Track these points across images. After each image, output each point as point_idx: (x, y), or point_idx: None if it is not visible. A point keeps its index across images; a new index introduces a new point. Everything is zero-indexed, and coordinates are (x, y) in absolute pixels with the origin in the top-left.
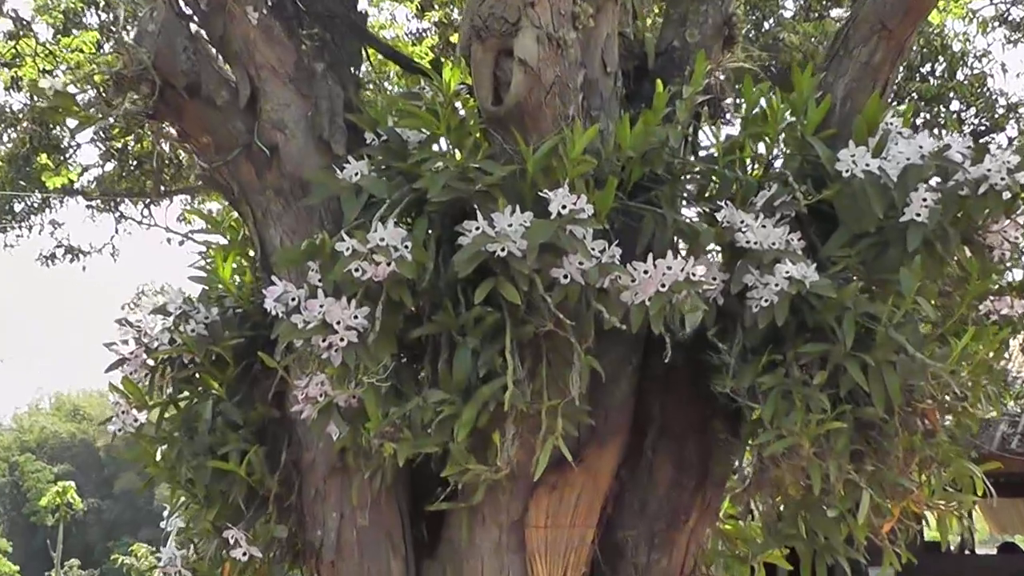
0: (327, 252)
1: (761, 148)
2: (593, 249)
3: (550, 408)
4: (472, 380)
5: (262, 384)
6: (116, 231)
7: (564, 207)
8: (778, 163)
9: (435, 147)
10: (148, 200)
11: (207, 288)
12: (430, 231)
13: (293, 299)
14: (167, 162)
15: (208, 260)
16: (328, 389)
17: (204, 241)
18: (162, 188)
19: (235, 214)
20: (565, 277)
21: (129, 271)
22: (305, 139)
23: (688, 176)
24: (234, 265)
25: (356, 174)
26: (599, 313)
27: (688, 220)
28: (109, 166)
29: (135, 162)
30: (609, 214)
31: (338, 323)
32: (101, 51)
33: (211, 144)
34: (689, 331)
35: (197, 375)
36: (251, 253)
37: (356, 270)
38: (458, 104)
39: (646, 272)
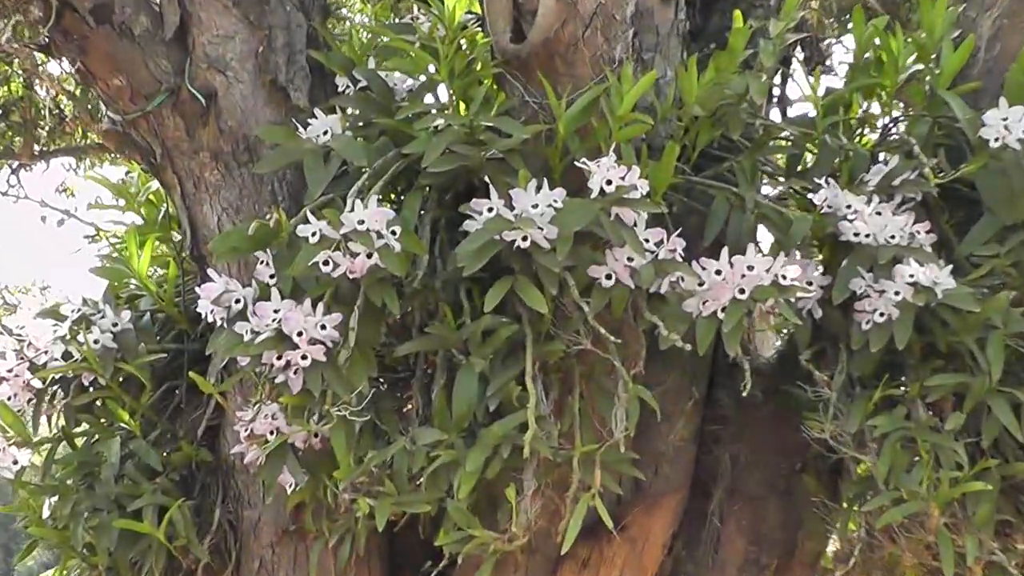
0: (284, 238)
1: (875, 107)
2: (647, 240)
3: (584, 456)
4: (479, 416)
5: (189, 416)
6: None
7: (608, 182)
8: (899, 128)
9: (432, 98)
10: (17, 164)
11: (114, 284)
12: (424, 212)
13: (237, 300)
14: (44, 111)
15: (116, 246)
16: (282, 424)
17: (108, 220)
18: (37, 147)
19: (154, 184)
20: (608, 278)
21: None
22: (253, 84)
23: (774, 143)
24: (153, 253)
25: (324, 133)
26: (653, 328)
27: (775, 203)
28: None
29: None
30: (668, 193)
31: (299, 334)
32: None
33: (125, 89)
34: (774, 354)
35: (100, 402)
36: (176, 237)
37: (325, 263)
38: (463, 41)
39: (718, 273)
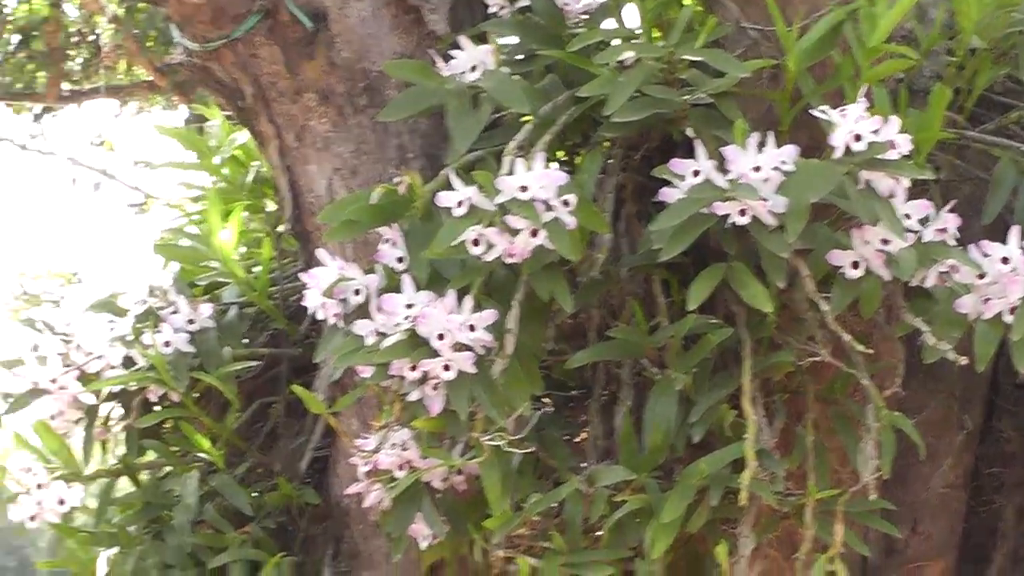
0: (418, 209)
1: None
2: (908, 217)
3: (820, 505)
4: (678, 449)
5: (289, 445)
6: None
7: (856, 138)
8: None
9: (616, 23)
10: (40, 108)
11: (187, 268)
12: (606, 176)
13: (356, 292)
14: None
15: (188, 218)
16: (415, 457)
17: (177, 184)
18: (66, 86)
19: (241, 136)
20: (855, 266)
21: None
22: (375, 3)
23: None
24: (240, 228)
25: (472, 69)
26: (914, 335)
27: None
28: None
29: (16, 37)
30: (935, 153)
31: (440, 338)
32: None
33: (205, 7)
34: None
35: (172, 424)
36: (272, 207)
37: (474, 243)
38: None
39: (1005, 261)
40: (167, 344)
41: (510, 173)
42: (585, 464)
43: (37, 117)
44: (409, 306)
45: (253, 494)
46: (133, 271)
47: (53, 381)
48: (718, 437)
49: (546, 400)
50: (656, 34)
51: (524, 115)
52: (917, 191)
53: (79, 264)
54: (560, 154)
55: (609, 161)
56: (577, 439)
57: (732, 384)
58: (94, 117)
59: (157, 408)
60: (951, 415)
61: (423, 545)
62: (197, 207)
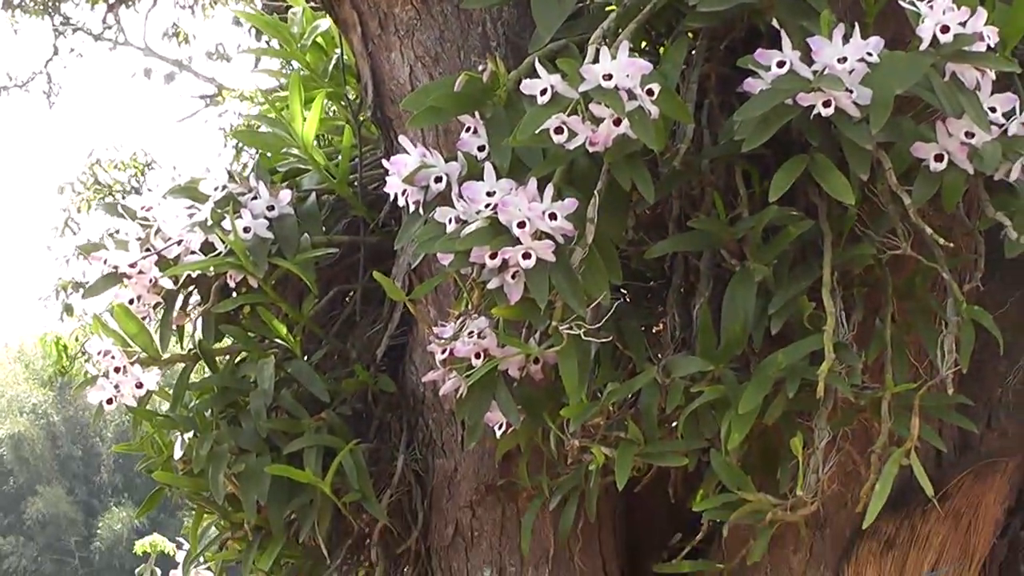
0: (502, 97)
1: None
2: (993, 110)
3: (897, 398)
4: (756, 341)
5: (366, 332)
6: (55, 50)
7: (944, 29)
8: None
9: None
10: None
11: (267, 155)
12: (691, 66)
13: (437, 179)
14: None
15: (271, 105)
16: (492, 345)
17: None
18: None
19: (324, 23)
20: (939, 159)
21: (78, 121)
22: None
23: None
24: (321, 115)
25: None
26: (997, 228)
27: None
28: None
29: None
30: (1019, 47)
31: (520, 226)
32: None
33: None
34: None
35: (250, 310)
36: (353, 95)
37: (557, 131)
38: None
39: None
40: (246, 230)
41: (595, 61)
42: (662, 355)
43: (112, 7)
44: (490, 194)
45: (329, 381)
46: (207, 161)
47: (132, 266)
48: (796, 329)
49: (624, 290)
50: None
51: (609, 4)
52: (1002, 85)
53: (153, 155)
54: (644, 44)
55: (693, 51)
56: (655, 330)
57: (811, 276)
58: (168, 7)
59: (235, 294)
60: None
61: (498, 434)
62: (273, 97)
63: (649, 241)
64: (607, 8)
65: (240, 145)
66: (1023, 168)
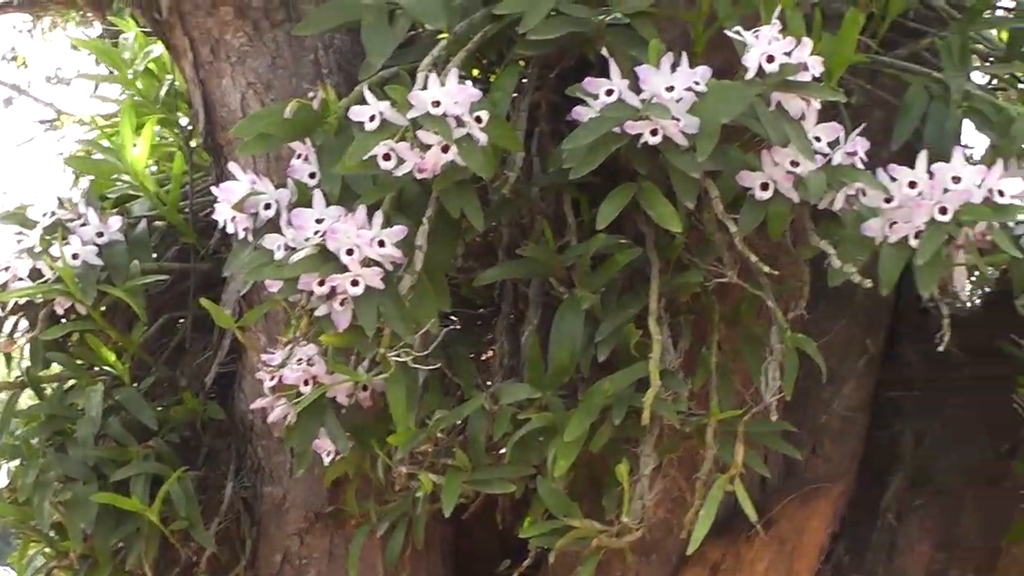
0: (332, 124)
1: None
2: (818, 139)
3: (722, 425)
4: (584, 368)
5: (195, 359)
6: None
7: (769, 59)
8: None
9: None
10: None
11: (99, 181)
12: (521, 94)
13: (267, 206)
14: None
15: (102, 128)
16: (320, 372)
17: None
18: None
19: (157, 49)
20: (764, 188)
21: None
22: None
23: (991, 14)
24: (152, 141)
25: None
26: (821, 257)
27: (990, 94)
28: None
29: None
30: (847, 77)
31: (349, 253)
32: None
33: None
34: (979, 298)
35: (78, 337)
36: (185, 121)
37: (385, 158)
38: None
39: (912, 185)
40: (75, 256)
41: (423, 88)
42: (491, 382)
43: None
44: (319, 221)
45: (158, 408)
46: (43, 186)
47: None
48: (623, 357)
49: (454, 317)
50: None
51: (439, 31)
52: (828, 114)
53: None
54: (476, 72)
55: (524, 79)
56: (484, 357)
57: (639, 304)
58: (7, 32)
59: (64, 321)
60: (855, 339)
61: (326, 461)
62: (110, 122)
63: (478, 268)
64: (439, 36)
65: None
66: (847, 198)
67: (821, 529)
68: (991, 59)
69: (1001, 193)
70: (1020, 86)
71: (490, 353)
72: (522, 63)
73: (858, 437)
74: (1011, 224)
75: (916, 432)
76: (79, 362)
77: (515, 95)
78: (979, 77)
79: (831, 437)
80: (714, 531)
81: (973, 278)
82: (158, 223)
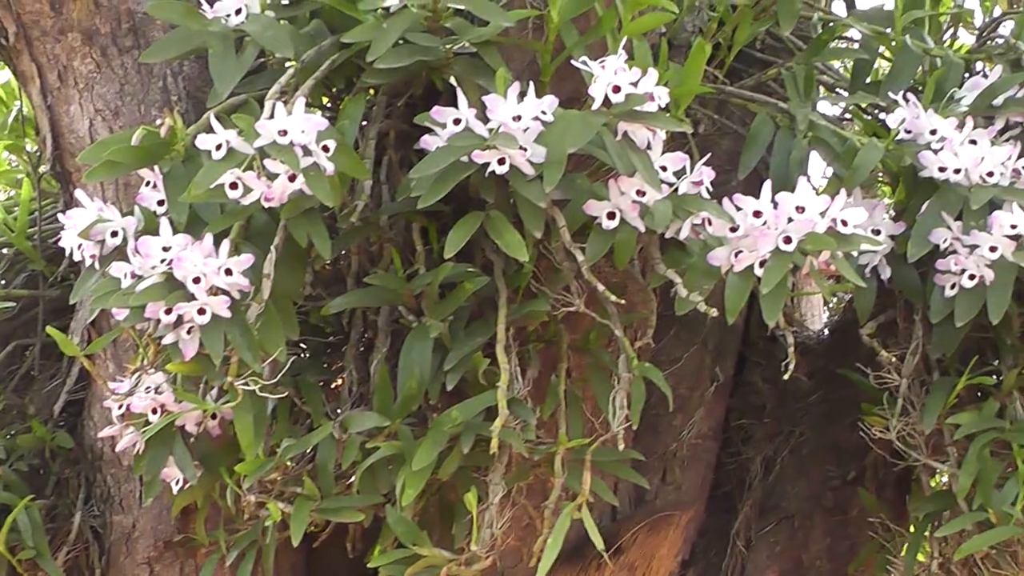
0: (179, 151)
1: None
2: (664, 169)
3: (570, 454)
4: (432, 396)
5: (43, 387)
6: None
7: (615, 89)
8: (1006, 28)
9: None
10: None
11: None
12: (369, 123)
13: (114, 234)
14: None
15: None
16: (168, 401)
17: None
18: None
19: (4, 75)
20: (611, 217)
21: None
22: None
23: (837, 44)
24: (2, 167)
25: (236, 12)
26: (668, 286)
27: (835, 124)
28: None
29: None
30: (693, 107)
31: (195, 281)
32: None
33: None
34: (826, 327)
35: None
36: (32, 147)
37: (232, 186)
38: None
39: (758, 215)
40: None
41: (270, 117)
42: (340, 410)
43: None
44: (166, 249)
45: (6, 436)
46: None
47: None
48: (472, 385)
49: (303, 345)
50: None
51: (287, 59)
52: (676, 144)
53: None
54: (326, 100)
55: (373, 108)
56: (334, 385)
57: (487, 332)
58: None
59: None
60: (704, 367)
61: (175, 489)
62: None
63: (328, 296)
64: (288, 64)
65: None
66: (693, 227)
67: (671, 556)
68: (836, 90)
69: (844, 223)
70: (866, 117)
71: (340, 381)
72: (372, 91)
73: (708, 464)
74: (854, 253)
75: (765, 459)
76: None
77: (364, 123)
78: (829, 108)
79: (681, 464)
80: (564, 559)
81: (830, 306)
82: (5, 250)
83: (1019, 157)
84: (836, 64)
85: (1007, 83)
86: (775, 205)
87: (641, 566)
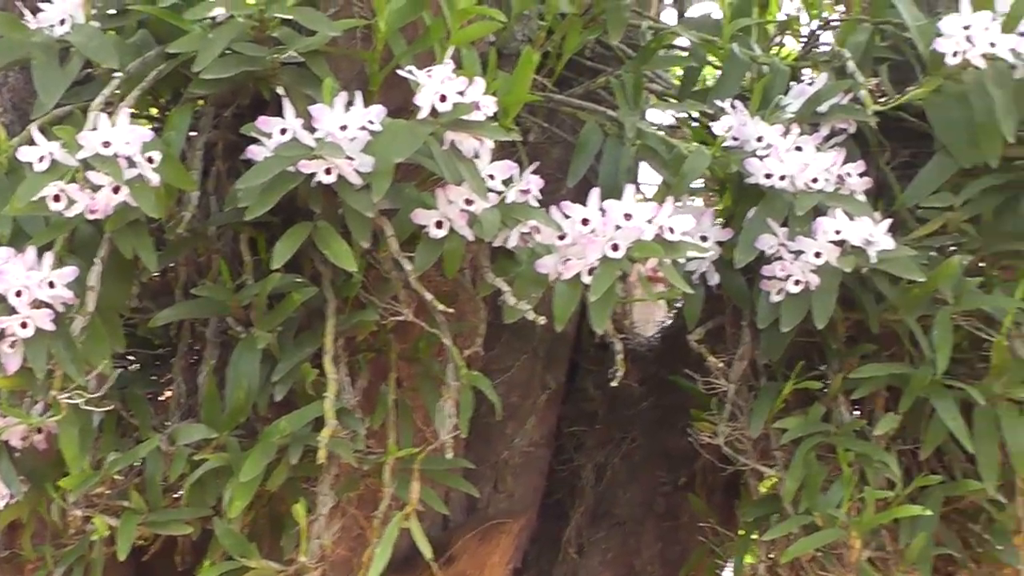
0: (3, 163)
1: (800, 8)
2: (491, 177)
3: (399, 463)
4: (261, 408)
5: None
6: None
7: (443, 99)
8: (830, 36)
9: None
10: None
11: None
12: (196, 133)
13: None
14: None
15: None
16: None
17: None
18: None
19: None
20: (439, 226)
21: None
22: None
23: (666, 53)
24: None
25: (61, 22)
26: (496, 295)
27: (663, 131)
28: None
29: None
30: (522, 116)
31: (18, 295)
32: None
33: None
34: (656, 334)
35: None
36: None
37: (55, 199)
38: None
39: (585, 223)
40: None
41: (93, 128)
42: (168, 422)
43: None
44: None
45: None
46: None
47: None
48: (301, 396)
49: (131, 357)
50: None
51: (113, 70)
52: (506, 152)
53: None
54: (153, 111)
55: (200, 119)
56: (162, 397)
57: (316, 343)
58: None
59: None
60: (535, 375)
61: (0, 505)
62: None
63: (155, 308)
64: (110, 74)
65: None
66: (522, 235)
67: (502, 564)
68: (665, 97)
69: (671, 230)
70: (694, 124)
71: (168, 393)
72: (200, 102)
73: (540, 472)
74: (682, 260)
75: (597, 466)
76: None
77: (192, 134)
78: (660, 115)
79: (513, 472)
80: (395, 568)
81: (671, 314)
82: None
83: (843, 163)
84: (666, 72)
85: (832, 90)
86: (603, 213)
87: (473, 575)
